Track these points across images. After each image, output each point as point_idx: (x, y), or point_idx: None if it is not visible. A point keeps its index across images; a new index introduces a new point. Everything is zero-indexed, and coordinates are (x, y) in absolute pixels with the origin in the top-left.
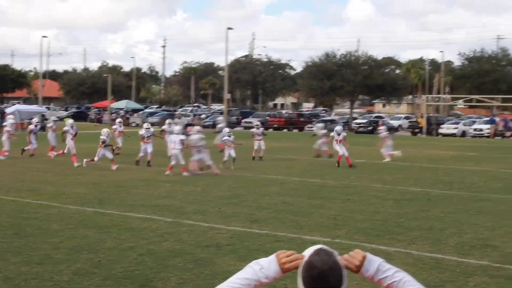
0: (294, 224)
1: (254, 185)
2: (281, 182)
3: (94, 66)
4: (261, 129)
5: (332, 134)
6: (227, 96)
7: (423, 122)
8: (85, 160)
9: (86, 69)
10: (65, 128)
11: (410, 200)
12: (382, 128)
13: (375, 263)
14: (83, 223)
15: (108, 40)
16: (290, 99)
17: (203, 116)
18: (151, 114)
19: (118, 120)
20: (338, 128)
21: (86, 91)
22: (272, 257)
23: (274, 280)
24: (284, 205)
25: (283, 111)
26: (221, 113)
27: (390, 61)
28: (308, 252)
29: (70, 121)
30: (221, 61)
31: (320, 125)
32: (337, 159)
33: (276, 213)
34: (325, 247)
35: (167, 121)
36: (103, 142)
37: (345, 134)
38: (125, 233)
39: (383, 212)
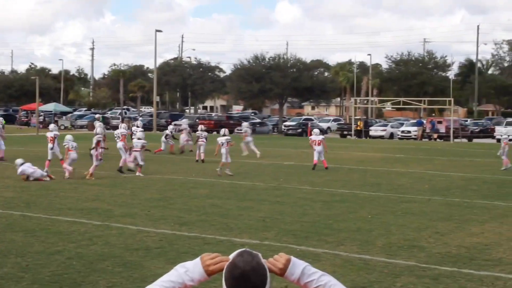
0: (223, 226)
1: (183, 187)
2: (210, 184)
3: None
4: (205, 133)
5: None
6: (156, 98)
7: (361, 125)
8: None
9: (13, 72)
10: None
11: (339, 201)
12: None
13: (300, 267)
14: (10, 227)
15: (36, 42)
16: (219, 102)
17: (139, 122)
18: (80, 116)
19: (123, 125)
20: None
21: (14, 94)
22: (197, 260)
23: (200, 283)
24: (213, 208)
25: (213, 114)
26: (151, 116)
27: (318, 64)
28: (232, 255)
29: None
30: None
31: (245, 124)
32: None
33: (205, 215)
34: (249, 249)
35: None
36: (143, 146)
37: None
38: (53, 236)
39: (312, 213)
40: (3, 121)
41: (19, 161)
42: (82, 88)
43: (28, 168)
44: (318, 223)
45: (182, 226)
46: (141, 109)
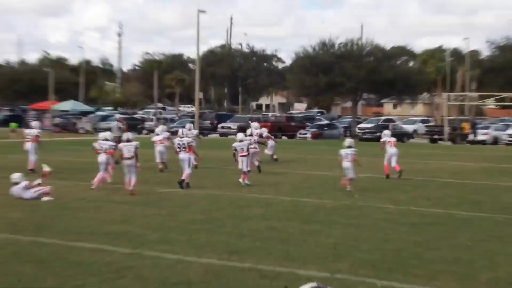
0: (284, 255)
1: (233, 206)
2: (266, 202)
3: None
4: (257, 137)
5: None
6: (199, 95)
7: (467, 127)
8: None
9: (22, 62)
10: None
11: (430, 224)
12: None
13: None
14: (17, 257)
15: (49, 27)
16: (277, 99)
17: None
18: (104, 118)
19: (160, 127)
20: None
21: (22, 89)
22: None
23: None
24: (271, 232)
25: (269, 114)
26: (192, 117)
27: (401, 51)
28: None
29: None
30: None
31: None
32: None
33: (260, 241)
34: (320, 284)
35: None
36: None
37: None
38: (70, 268)
39: (396, 239)
40: (15, 125)
41: (15, 176)
42: (107, 83)
43: (22, 190)
44: (404, 251)
45: (232, 254)
46: (179, 108)
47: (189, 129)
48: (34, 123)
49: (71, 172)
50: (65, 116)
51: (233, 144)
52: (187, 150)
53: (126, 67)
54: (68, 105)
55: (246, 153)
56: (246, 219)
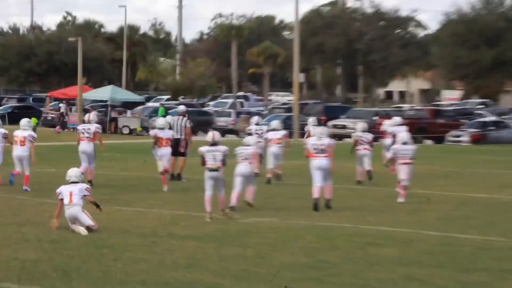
0: None
1: (350, 243)
2: (403, 238)
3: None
4: (370, 135)
5: None
6: (298, 78)
7: None
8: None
9: (36, 28)
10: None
11: None
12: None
13: None
14: None
15: None
16: (417, 84)
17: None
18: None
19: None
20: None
21: (37, 68)
22: None
23: None
24: (411, 284)
25: (404, 106)
26: (288, 110)
27: None
28: None
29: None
30: (286, 14)
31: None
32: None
33: None
34: None
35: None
36: None
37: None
38: None
39: None
40: (34, 122)
41: (72, 173)
42: (162, 59)
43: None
44: None
45: None
46: (270, 98)
47: (275, 128)
48: (92, 115)
49: (109, 190)
50: (100, 109)
51: (395, 147)
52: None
53: (190, 36)
54: (104, 93)
55: (410, 160)
56: (372, 264)
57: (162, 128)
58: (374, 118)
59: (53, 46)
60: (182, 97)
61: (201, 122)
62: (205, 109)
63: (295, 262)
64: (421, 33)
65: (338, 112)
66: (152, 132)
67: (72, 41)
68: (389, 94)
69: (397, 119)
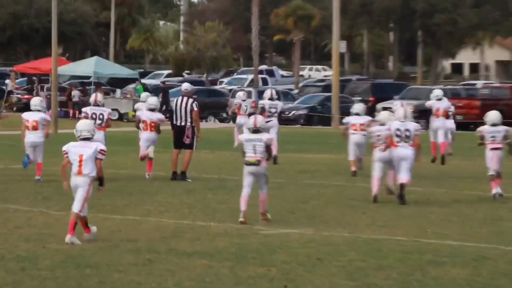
0: None
1: (407, 262)
2: (474, 254)
3: None
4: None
5: None
6: (339, 47)
7: None
8: None
9: None
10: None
11: None
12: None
13: None
14: None
15: None
16: (494, 54)
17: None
18: (156, 91)
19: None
20: None
21: None
22: None
23: None
24: None
25: (477, 82)
26: (324, 89)
27: None
28: None
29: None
30: None
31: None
32: None
33: None
34: None
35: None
36: None
37: None
38: None
39: None
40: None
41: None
42: (161, 23)
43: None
44: None
45: None
46: (301, 73)
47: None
48: (99, 95)
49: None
50: (79, 88)
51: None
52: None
53: None
54: (86, 67)
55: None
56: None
57: (153, 110)
58: (445, 97)
59: (20, 6)
60: (187, 72)
61: (211, 105)
62: (217, 87)
63: (334, 287)
64: None
65: (390, 91)
66: (137, 113)
67: None
68: (457, 68)
69: (437, 92)
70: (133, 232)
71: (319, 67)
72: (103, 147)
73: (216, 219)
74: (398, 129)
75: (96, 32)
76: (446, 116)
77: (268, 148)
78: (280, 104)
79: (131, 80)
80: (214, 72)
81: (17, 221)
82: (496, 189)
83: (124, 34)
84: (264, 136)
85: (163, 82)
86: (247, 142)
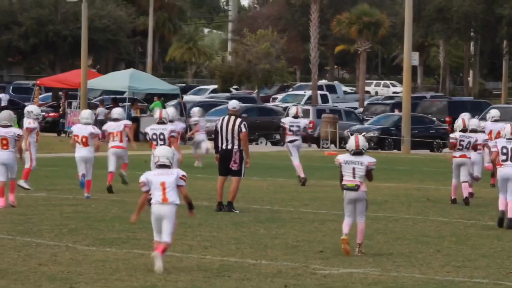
0: None
1: None
2: None
3: None
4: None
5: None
6: (411, 59)
7: None
8: None
9: None
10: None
11: None
12: None
13: None
14: None
15: None
16: None
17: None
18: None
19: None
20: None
21: (20, 45)
22: None
23: None
24: None
25: None
26: (393, 107)
27: None
28: None
29: None
30: None
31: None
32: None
33: None
34: None
35: None
36: None
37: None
38: None
39: None
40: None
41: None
42: (206, 31)
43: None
44: None
45: None
46: (367, 89)
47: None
48: (171, 111)
49: (125, 226)
50: (108, 105)
51: None
52: None
53: None
54: (120, 80)
55: None
56: None
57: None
58: None
59: (45, 11)
60: (235, 87)
61: (263, 125)
62: (270, 105)
63: None
64: None
65: (470, 109)
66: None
67: (72, 2)
68: None
69: (493, 113)
70: (173, 271)
71: (388, 82)
72: (183, 172)
73: (268, 256)
74: (505, 147)
75: (132, 41)
76: None
77: (369, 173)
78: (303, 122)
79: (172, 96)
80: (267, 88)
81: (40, 258)
82: None
83: (164, 43)
84: (365, 159)
85: (159, 97)
86: (346, 164)
